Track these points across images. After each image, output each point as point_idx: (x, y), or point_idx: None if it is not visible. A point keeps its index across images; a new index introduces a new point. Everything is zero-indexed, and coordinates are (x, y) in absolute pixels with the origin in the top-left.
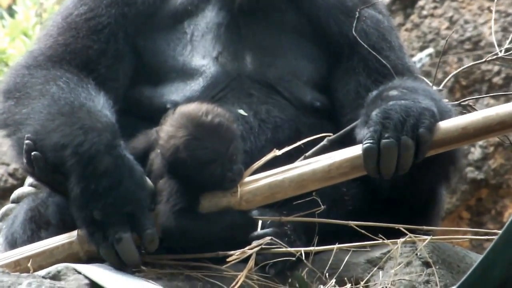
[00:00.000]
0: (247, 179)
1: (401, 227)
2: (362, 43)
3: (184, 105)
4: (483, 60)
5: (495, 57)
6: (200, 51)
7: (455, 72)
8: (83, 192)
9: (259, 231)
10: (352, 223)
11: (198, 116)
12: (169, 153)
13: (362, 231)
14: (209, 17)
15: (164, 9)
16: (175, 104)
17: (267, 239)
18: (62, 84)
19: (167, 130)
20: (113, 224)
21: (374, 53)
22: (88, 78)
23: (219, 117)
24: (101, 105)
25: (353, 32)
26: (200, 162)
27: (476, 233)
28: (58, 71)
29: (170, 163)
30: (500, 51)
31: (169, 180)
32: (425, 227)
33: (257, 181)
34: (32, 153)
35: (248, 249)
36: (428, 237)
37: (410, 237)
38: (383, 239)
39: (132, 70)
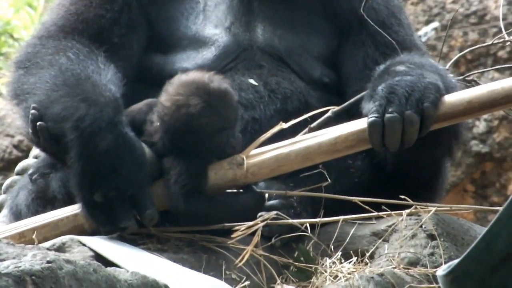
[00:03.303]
0: (253, 151)
1: (405, 202)
2: (369, 20)
3: (183, 75)
4: (490, 43)
5: (501, 40)
6: (212, 20)
7: (460, 54)
8: (83, 171)
9: (265, 203)
10: (356, 199)
11: (205, 83)
12: (180, 123)
13: (367, 207)
14: None
15: None
16: (187, 72)
17: (273, 213)
18: (72, 55)
19: (176, 99)
20: (116, 209)
21: (382, 29)
22: (100, 50)
23: (224, 83)
24: (107, 78)
25: (361, 11)
26: (213, 129)
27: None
28: (69, 42)
29: (180, 133)
30: (509, 34)
31: (176, 158)
32: (429, 204)
33: (264, 154)
34: (38, 123)
35: (254, 223)
36: (433, 208)
37: (416, 208)
38: (387, 210)
39: (146, 40)
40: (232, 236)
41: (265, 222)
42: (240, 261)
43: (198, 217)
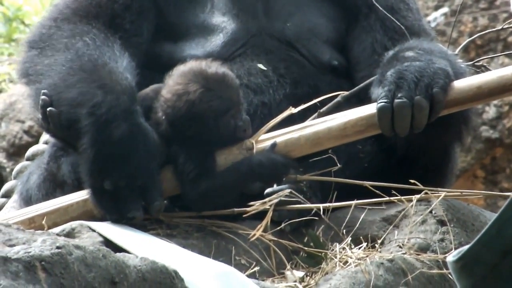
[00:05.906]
0: (263, 136)
1: (415, 187)
2: (378, 5)
3: (181, 66)
4: (500, 28)
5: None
6: (220, 8)
7: (470, 39)
8: (95, 158)
9: (275, 187)
10: (367, 183)
11: (203, 69)
12: (182, 111)
13: (377, 191)
14: None
15: None
16: (196, 59)
17: (286, 191)
18: (89, 40)
19: (175, 89)
20: (124, 199)
21: (391, 14)
22: (115, 36)
23: (222, 67)
24: (123, 66)
25: None
26: (216, 113)
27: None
28: (85, 26)
29: (185, 121)
30: None
31: (181, 147)
32: (439, 189)
33: (273, 139)
34: (48, 109)
35: (266, 201)
36: (443, 193)
37: (426, 193)
38: (397, 195)
39: (155, 27)
40: (247, 210)
41: (277, 200)
42: (252, 237)
43: (208, 198)
